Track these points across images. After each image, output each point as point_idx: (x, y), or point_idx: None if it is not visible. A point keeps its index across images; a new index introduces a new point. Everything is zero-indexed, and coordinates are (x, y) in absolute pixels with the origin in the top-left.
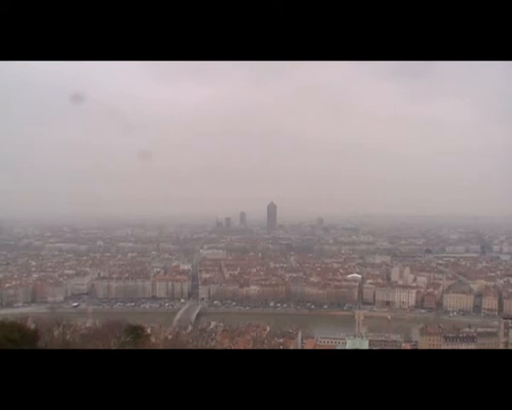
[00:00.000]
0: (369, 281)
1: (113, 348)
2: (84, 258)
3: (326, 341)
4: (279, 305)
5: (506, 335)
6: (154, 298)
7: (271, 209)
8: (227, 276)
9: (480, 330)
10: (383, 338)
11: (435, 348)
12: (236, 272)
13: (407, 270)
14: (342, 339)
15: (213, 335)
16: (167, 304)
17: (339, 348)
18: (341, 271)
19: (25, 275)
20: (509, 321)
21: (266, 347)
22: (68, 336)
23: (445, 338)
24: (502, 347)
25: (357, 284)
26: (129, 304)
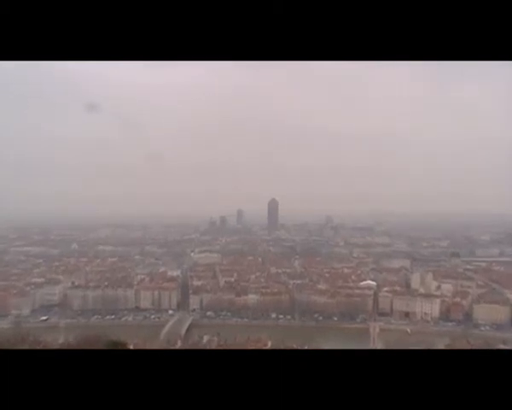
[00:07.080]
0: (385, 289)
1: None
2: (56, 264)
3: None
4: (282, 316)
5: None
6: (137, 309)
7: (272, 207)
8: (222, 283)
9: None
10: None
11: None
12: (233, 279)
13: (429, 276)
14: None
15: None
16: (153, 316)
17: None
18: (353, 277)
19: None
20: None
21: None
22: None
23: None
24: None
25: (371, 292)
26: (108, 317)
